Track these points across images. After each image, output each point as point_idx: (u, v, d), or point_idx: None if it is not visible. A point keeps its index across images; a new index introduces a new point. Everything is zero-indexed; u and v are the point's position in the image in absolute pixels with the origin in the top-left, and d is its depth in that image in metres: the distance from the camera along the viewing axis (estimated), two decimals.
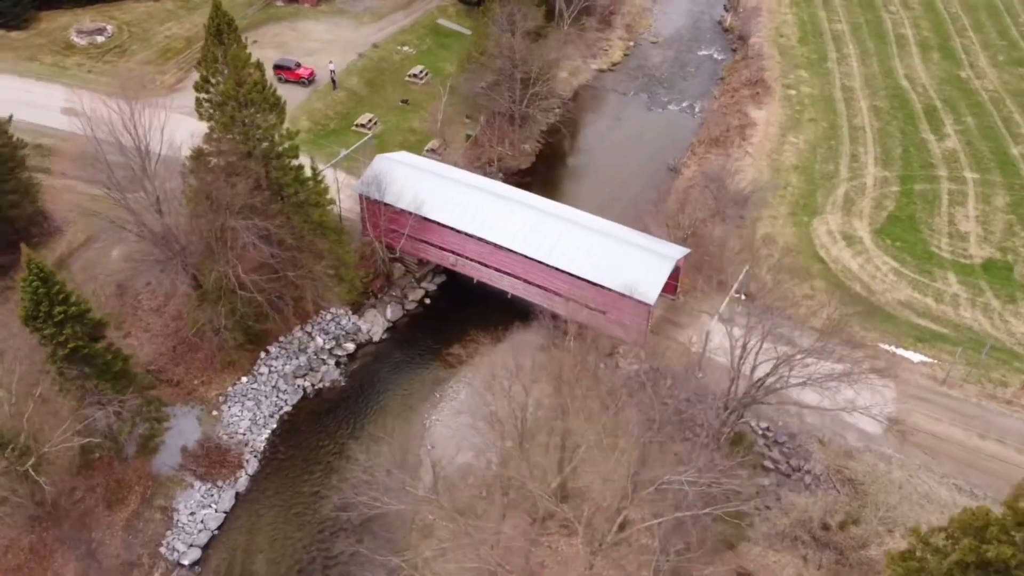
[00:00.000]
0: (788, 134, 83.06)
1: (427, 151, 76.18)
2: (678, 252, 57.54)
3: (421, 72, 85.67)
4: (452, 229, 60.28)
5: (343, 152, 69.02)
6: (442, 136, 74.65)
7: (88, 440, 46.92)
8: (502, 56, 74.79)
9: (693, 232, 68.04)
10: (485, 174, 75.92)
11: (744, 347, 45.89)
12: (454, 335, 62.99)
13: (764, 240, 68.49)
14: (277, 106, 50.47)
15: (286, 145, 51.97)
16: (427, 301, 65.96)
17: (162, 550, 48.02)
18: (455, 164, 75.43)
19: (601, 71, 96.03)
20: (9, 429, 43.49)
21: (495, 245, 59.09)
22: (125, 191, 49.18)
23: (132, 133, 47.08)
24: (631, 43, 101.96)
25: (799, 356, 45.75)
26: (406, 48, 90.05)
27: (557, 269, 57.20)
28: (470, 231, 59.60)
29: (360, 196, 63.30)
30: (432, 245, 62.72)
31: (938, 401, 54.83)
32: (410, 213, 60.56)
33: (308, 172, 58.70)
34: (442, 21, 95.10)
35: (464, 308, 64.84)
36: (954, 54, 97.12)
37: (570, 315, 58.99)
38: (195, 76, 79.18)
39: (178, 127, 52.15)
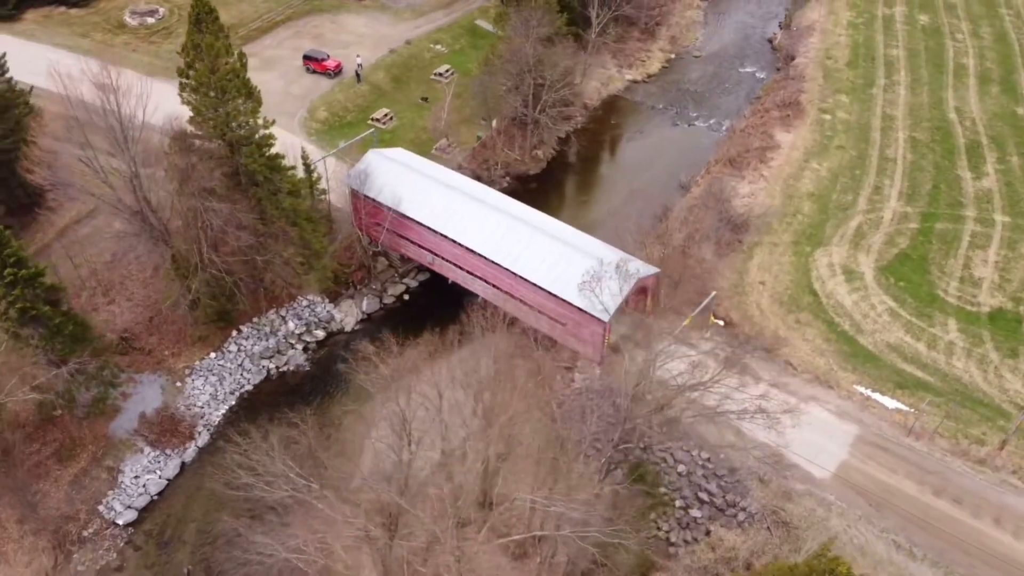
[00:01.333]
0: (812, 160, 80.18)
1: (435, 150, 77.15)
2: (645, 270, 56.53)
3: (447, 71, 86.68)
4: (429, 228, 60.99)
5: (341, 144, 70.67)
6: (446, 136, 75.35)
7: (44, 397, 49.84)
8: (514, 60, 74.91)
9: (683, 251, 66.83)
10: (490, 177, 76.59)
11: (641, 373, 44.76)
12: (426, 333, 63.36)
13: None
14: (252, 95, 52.16)
15: (261, 133, 53.62)
16: (406, 297, 66.89)
17: (101, 508, 50.53)
18: (459, 165, 76.24)
19: (635, 82, 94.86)
20: None
21: (466, 248, 59.48)
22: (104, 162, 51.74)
23: (109, 103, 49.41)
24: (672, 55, 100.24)
25: (692, 386, 44.34)
26: (439, 47, 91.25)
27: (521, 277, 57.13)
28: (444, 232, 60.17)
29: (350, 188, 64.77)
30: (411, 242, 63.58)
31: (898, 451, 52.15)
32: (389, 208, 61.61)
33: (297, 162, 60.66)
34: (480, 22, 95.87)
35: (442, 308, 65.06)
36: (1016, 88, 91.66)
37: (534, 324, 59.11)
38: None
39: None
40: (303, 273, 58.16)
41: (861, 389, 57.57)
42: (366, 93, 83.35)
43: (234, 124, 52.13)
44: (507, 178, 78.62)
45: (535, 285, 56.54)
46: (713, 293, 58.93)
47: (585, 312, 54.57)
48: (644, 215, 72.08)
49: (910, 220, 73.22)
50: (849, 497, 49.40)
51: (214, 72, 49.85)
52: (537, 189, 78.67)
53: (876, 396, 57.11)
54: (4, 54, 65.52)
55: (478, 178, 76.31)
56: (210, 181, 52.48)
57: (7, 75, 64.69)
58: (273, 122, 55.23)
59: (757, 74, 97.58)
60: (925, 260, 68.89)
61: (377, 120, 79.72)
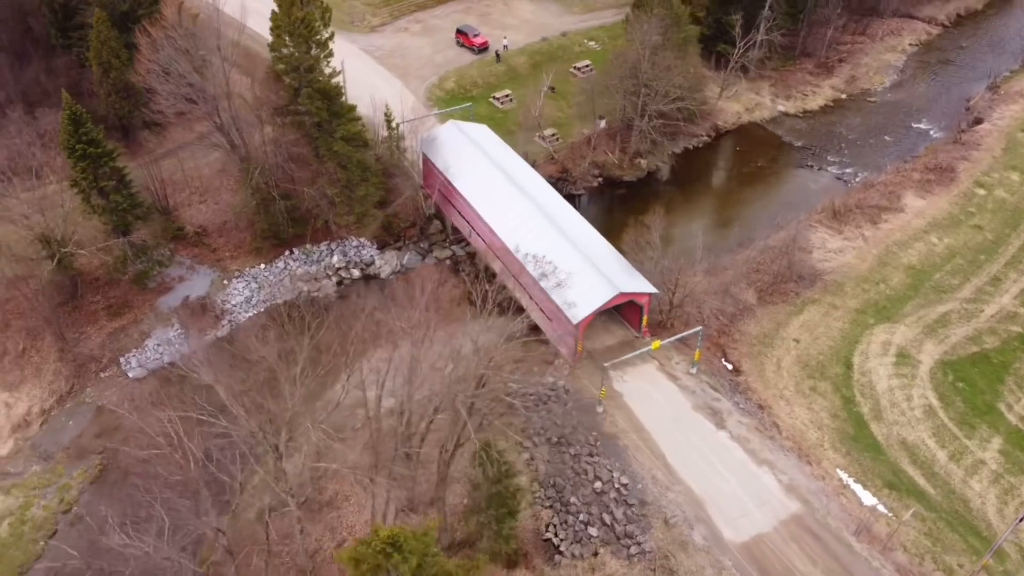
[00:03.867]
0: (933, 232, 72.13)
1: (537, 138, 79.60)
2: (634, 285, 55.62)
3: (585, 67, 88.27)
4: (467, 201, 64.14)
5: (434, 111, 75.52)
6: (538, 123, 77.28)
7: (104, 259, 60.41)
8: (624, 64, 75.01)
9: (724, 288, 64.05)
10: (579, 173, 77.66)
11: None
12: (449, 298, 66.86)
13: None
14: (319, 44, 58.35)
15: (325, 79, 59.69)
16: (447, 263, 70.52)
17: (121, 360, 60.13)
18: (551, 156, 78.20)
19: (785, 114, 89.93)
20: (48, 229, 58.17)
21: (490, 227, 61.94)
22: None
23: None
24: (843, 95, 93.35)
25: None
26: (592, 43, 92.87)
27: (521, 264, 58.64)
28: (476, 206, 63.05)
29: (422, 151, 69.61)
30: (456, 211, 67.14)
31: (832, 546, 47.47)
32: (441, 174, 65.61)
33: (397, 117, 66.27)
34: None
35: (475, 280, 68.11)
36: None
37: (532, 315, 60.55)
38: (399, 23, 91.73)
39: None
40: (343, 213, 63.89)
41: (842, 474, 52.55)
42: (499, 73, 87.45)
43: (302, 67, 58.58)
44: (599, 178, 79.05)
45: (530, 274, 57.80)
46: (699, 328, 56.36)
47: (561, 310, 55.07)
48: (715, 245, 69.58)
49: (1015, 323, 63.84)
50: (746, 571, 46.02)
51: (288, 17, 56.56)
52: (625, 196, 78.35)
53: (856, 487, 51.90)
54: None
55: (566, 171, 78.08)
56: (282, 116, 59.58)
57: None
58: (339, 72, 61.13)
59: (932, 133, 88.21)
60: (1005, 368, 60.18)
61: (496, 99, 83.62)
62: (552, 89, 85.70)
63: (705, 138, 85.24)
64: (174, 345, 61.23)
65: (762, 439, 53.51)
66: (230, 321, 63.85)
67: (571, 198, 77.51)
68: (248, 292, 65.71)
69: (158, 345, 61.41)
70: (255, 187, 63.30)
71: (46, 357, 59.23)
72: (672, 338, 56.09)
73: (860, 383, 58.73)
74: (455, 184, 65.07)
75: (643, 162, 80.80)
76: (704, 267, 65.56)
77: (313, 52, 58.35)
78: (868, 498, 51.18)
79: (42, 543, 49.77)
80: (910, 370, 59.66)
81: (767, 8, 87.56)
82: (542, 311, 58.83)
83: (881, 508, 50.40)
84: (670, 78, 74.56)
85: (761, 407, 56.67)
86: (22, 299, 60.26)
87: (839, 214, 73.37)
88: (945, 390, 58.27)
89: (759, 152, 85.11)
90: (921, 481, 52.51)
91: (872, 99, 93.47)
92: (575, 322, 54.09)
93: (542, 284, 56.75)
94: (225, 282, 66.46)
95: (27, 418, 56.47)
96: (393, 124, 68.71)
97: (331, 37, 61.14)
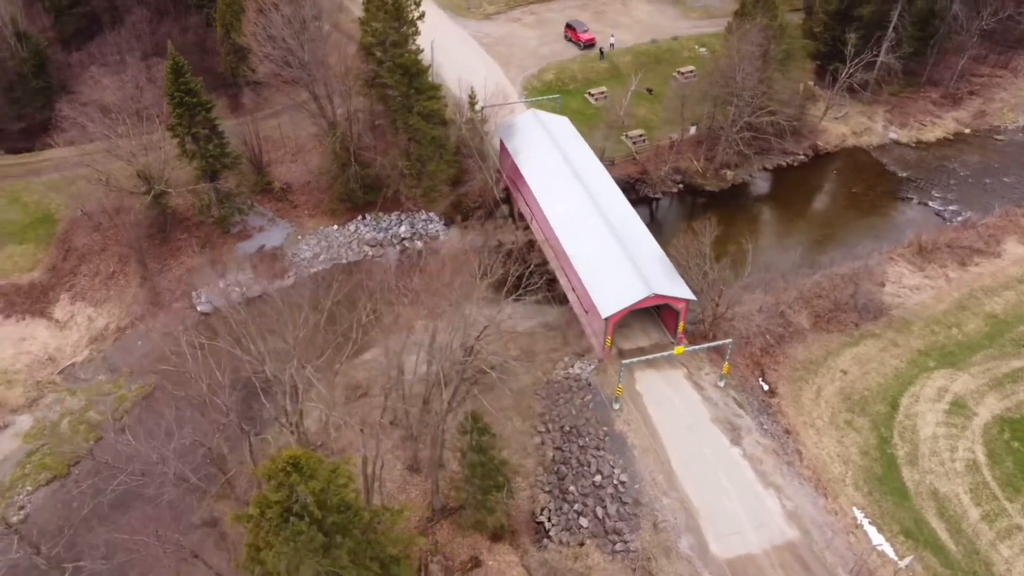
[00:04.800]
0: None
1: (624, 137, 79.72)
2: (671, 289, 55.13)
3: (689, 72, 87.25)
4: (530, 188, 65.44)
5: (520, 99, 77.11)
6: (623, 121, 77.18)
7: (192, 200, 66.14)
8: (718, 73, 73.78)
9: (778, 310, 62.25)
10: (658, 176, 77.14)
11: None
12: (504, 281, 68.47)
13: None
14: (407, 23, 61.24)
15: (409, 55, 62.57)
16: (509, 247, 71.97)
17: (192, 294, 65.57)
18: (633, 156, 78.12)
19: (897, 143, 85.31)
20: (149, 167, 64.33)
21: (545, 216, 63.00)
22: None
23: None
24: (966, 130, 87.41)
25: None
26: (703, 49, 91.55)
27: (567, 254, 59.42)
28: (537, 195, 64.24)
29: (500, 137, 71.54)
30: (522, 198, 68.57)
31: (815, 569, 45.62)
32: (511, 158, 67.27)
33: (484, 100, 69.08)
34: None
35: (532, 266, 69.33)
36: None
37: (573, 306, 61.46)
38: (513, 13, 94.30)
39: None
40: (411, 186, 66.73)
41: (858, 513, 50.27)
42: (600, 70, 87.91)
43: (388, 42, 61.72)
44: (680, 184, 78.16)
45: (573, 266, 58.50)
46: (729, 340, 55.08)
47: (594, 304, 55.49)
48: (781, 264, 67.44)
49: None
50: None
51: None
52: (704, 204, 77.01)
53: (870, 529, 49.55)
54: None
55: (645, 173, 77.74)
56: (369, 88, 63.07)
57: None
58: (422, 51, 63.84)
59: None
60: None
61: (591, 95, 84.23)
62: (650, 91, 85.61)
63: (801, 157, 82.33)
64: (243, 287, 66.07)
65: (777, 462, 51.92)
66: (296, 273, 68.15)
67: (647, 201, 77.50)
68: (317, 249, 69.88)
69: (228, 286, 66.42)
70: (335, 152, 67.19)
71: (130, 282, 65.55)
72: (699, 346, 55.25)
73: (903, 425, 55.64)
74: (522, 171, 66.49)
75: (729, 174, 79.14)
76: (747, 283, 63.16)
77: (402, 30, 61.24)
78: (876, 537, 48.80)
79: (92, 443, 55.46)
80: (962, 420, 55.90)
81: (891, 29, 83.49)
82: (581, 303, 59.40)
83: (889, 552, 47.91)
84: (763, 90, 72.67)
85: (787, 432, 54.86)
86: (121, 228, 66.85)
87: (925, 251, 69.21)
88: (997, 447, 54.25)
89: (857, 178, 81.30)
90: (944, 535, 49.34)
91: (1000, 137, 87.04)
92: (604, 316, 54.35)
93: (581, 276, 57.34)
94: (299, 237, 70.95)
95: (104, 333, 62.78)
96: (476, 107, 70.89)
97: (421, 16, 63.94)
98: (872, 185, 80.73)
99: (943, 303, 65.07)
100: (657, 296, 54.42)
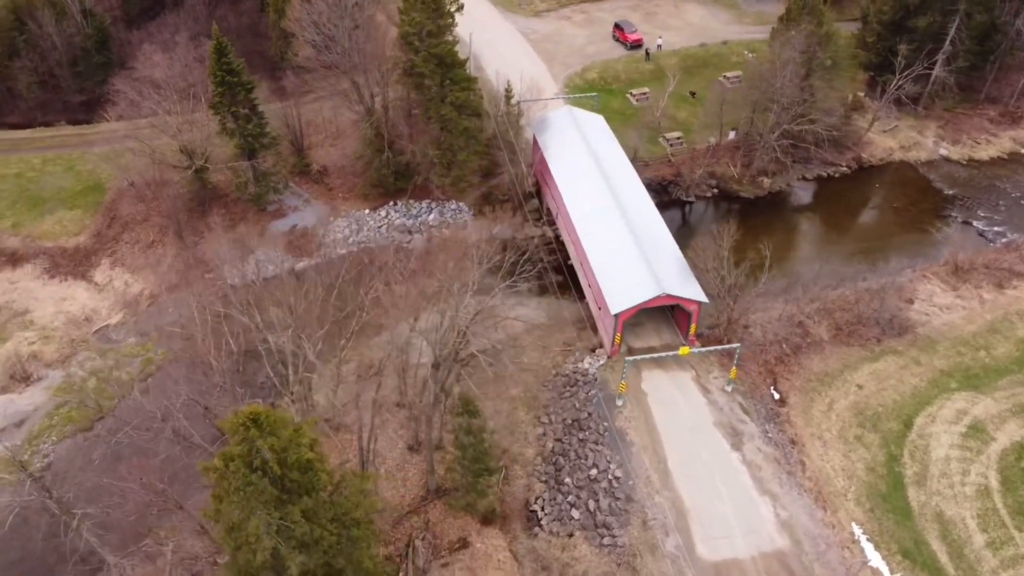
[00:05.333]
0: None
1: (661, 139, 79.44)
2: (683, 290, 54.90)
3: (735, 77, 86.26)
4: (557, 185, 65.87)
5: (557, 95, 77.49)
6: (659, 122, 76.87)
7: (231, 178, 68.64)
8: (758, 78, 72.89)
9: (799, 323, 61.31)
10: (692, 180, 76.63)
11: None
12: (526, 274, 69.02)
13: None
14: (443, 16, 62.36)
15: (445, 46, 63.65)
16: (535, 240, 72.43)
17: (225, 267, 67.82)
18: (669, 158, 77.75)
19: (947, 159, 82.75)
20: (192, 143, 67.03)
21: (567, 211, 63.36)
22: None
23: None
24: (1023, 150, 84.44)
25: None
26: (751, 55, 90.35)
27: (585, 251, 59.71)
28: (562, 191, 64.65)
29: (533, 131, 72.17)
30: (549, 193, 69.04)
31: None
32: (541, 153, 67.85)
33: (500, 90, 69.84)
34: None
35: (556, 262, 69.78)
36: None
37: (589, 301, 61.82)
38: (563, 11, 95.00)
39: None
40: (440, 175, 67.85)
41: (856, 529, 49.37)
42: (645, 71, 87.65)
43: (424, 31, 62.94)
44: (715, 189, 77.45)
45: (588, 261, 58.76)
46: (737, 345, 54.51)
47: (605, 300, 55.68)
48: (807, 275, 66.37)
49: None
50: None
51: None
52: (738, 211, 76.03)
53: (867, 545, 48.66)
54: None
55: (679, 175, 77.30)
56: (407, 76, 64.47)
57: None
58: (456, 42, 64.84)
59: None
60: None
61: (633, 95, 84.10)
62: (692, 95, 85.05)
63: (844, 168, 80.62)
64: (270, 263, 68.22)
65: (777, 471, 51.30)
66: (324, 254, 69.97)
67: (679, 204, 77.03)
68: (348, 231, 71.59)
69: (258, 261, 68.53)
70: (369, 138, 68.80)
71: (167, 252, 68.39)
72: (705, 349, 54.92)
73: (914, 444, 54.29)
74: (550, 166, 66.97)
75: (766, 181, 78.05)
76: (768, 290, 62.23)
77: (439, 21, 62.41)
78: (873, 554, 47.89)
79: (116, 401, 58.14)
80: (979, 445, 54.24)
81: (947, 42, 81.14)
82: (595, 299, 59.62)
83: (883, 570, 46.93)
84: (804, 97, 71.52)
85: (793, 442, 54.09)
86: (162, 200, 69.77)
87: (961, 270, 67.17)
88: (1012, 474, 52.47)
89: (901, 194, 79.21)
90: (944, 558, 48.05)
91: None
92: (614, 312, 54.48)
93: (596, 272, 57.58)
94: (331, 218, 72.83)
95: (139, 298, 65.68)
96: (512, 101, 71.65)
97: (459, 8, 65.01)
98: (915, 201, 78.57)
99: (973, 324, 63.12)
100: (668, 296, 54.30)
